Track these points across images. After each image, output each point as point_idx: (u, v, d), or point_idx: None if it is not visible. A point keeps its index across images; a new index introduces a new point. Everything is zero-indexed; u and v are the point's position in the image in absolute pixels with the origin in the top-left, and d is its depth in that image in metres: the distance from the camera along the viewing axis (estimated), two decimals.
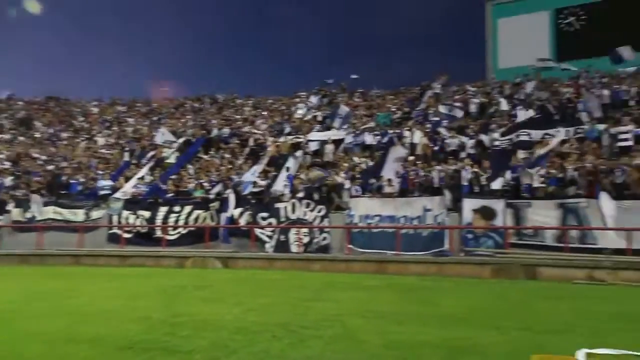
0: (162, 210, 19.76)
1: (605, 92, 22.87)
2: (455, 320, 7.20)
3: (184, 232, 19.37)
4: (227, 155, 24.26)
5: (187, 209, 19.52)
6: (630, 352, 5.29)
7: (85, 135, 31.19)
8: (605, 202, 14.35)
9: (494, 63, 37.48)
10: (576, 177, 16.00)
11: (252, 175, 20.62)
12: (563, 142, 18.90)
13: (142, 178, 22.63)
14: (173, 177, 22.32)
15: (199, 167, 23.59)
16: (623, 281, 12.11)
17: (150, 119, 33.29)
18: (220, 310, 8.08)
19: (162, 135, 26.28)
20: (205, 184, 20.99)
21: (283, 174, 20.14)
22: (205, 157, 24.68)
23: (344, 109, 26.51)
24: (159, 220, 19.71)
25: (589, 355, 5.11)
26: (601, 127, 18.76)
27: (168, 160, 24.29)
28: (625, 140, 17.57)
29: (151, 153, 25.41)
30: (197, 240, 18.82)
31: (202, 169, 23.21)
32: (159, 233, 19.54)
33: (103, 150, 27.78)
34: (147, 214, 19.96)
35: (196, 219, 19.44)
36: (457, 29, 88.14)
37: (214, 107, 34.68)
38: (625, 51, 25.37)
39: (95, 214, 20.76)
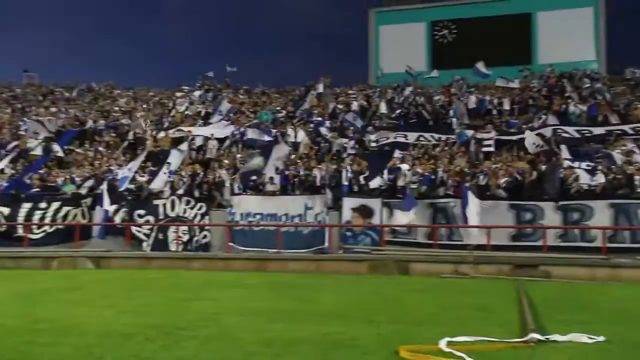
0: (26, 206, 18.05)
1: (473, 100, 24.88)
2: (330, 315, 7.39)
3: (50, 230, 17.91)
4: (101, 149, 22.88)
5: (55, 205, 18.04)
6: (485, 338, 5.79)
7: None
8: (472, 200, 15.58)
9: (375, 68, 39.07)
10: (445, 179, 17.19)
11: (129, 171, 19.62)
12: (435, 145, 20.24)
13: (1, 171, 20.58)
14: (40, 170, 20.57)
15: (71, 160, 22.00)
16: (483, 274, 13.23)
17: (12, 105, 30.37)
18: (89, 314, 7.58)
19: (29, 124, 24.17)
20: (76, 179, 19.60)
21: (163, 170, 19.42)
22: (78, 150, 23.06)
23: (226, 106, 26.18)
24: (21, 218, 18.00)
25: (450, 343, 5.51)
26: (469, 133, 20.34)
27: (34, 152, 22.31)
28: (489, 146, 19.22)
29: (13, 143, 23.20)
30: (66, 239, 17.50)
31: (74, 162, 21.66)
32: (20, 231, 17.86)
33: None
34: (6, 210, 18.11)
35: (65, 217, 18.06)
36: (345, 32, 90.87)
37: (89, 97, 32.52)
38: (482, 67, 27.75)
39: None
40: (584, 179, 16.13)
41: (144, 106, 29.73)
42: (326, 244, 16.50)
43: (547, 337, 5.80)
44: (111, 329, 6.45)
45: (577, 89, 25.42)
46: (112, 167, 20.29)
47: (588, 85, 25.76)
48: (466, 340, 5.68)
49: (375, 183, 17.60)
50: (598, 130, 20.35)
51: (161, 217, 17.79)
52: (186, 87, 32.30)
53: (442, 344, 5.46)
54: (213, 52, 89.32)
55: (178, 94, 30.90)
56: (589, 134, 20.14)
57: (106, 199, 17.76)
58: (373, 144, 21.00)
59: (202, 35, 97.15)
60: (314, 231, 16.96)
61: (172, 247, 17.35)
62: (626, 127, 20.17)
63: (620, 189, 15.52)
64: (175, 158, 20.34)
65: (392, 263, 14.24)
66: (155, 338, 5.96)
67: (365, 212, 16.58)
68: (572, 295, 9.91)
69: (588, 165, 17.06)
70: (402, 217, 15.99)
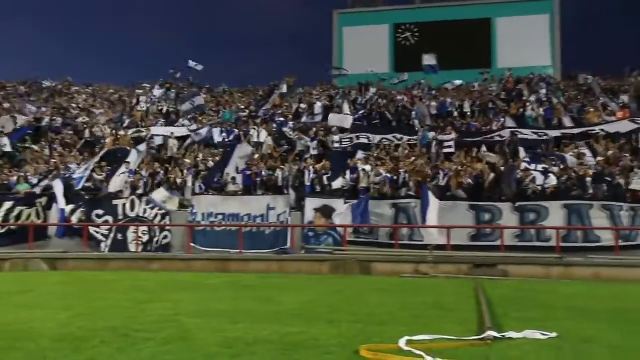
0: None
1: (434, 102, 25.29)
2: (291, 316, 7.39)
3: (1, 231, 17.24)
4: (58, 147, 22.24)
5: (7, 205, 17.36)
6: (444, 336, 5.89)
7: None
8: (432, 201, 15.82)
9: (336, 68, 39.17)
10: (407, 180, 17.39)
11: (86, 170, 19.12)
12: (397, 146, 20.47)
13: None
14: None
15: (25, 158, 21.29)
16: (443, 274, 13.46)
17: None
18: (43, 317, 7.35)
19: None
20: (30, 178, 18.96)
21: (122, 169, 19.00)
22: (34, 147, 22.34)
23: (199, 99, 25.70)
24: None
25: (409, 342, 5.58)
26: (431, 134, 20.65)
27: None
28: (449, 147, 19.55)
29: None
30: (20, 241, 16.86)
31: (29, 160, 20.97)
32: None
33: None
34: None
35: (19, 217, 17.42)
36: (310, 32, 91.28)
37: (46, 94, 31.56)
38: (430, 60, 27.96)
39: None
40: (539, 181, 16.60)
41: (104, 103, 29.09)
42: (288, 244, 16.46)
43: (503, 334, 5.94)
44: (66, 333, 6.28)
45: (533, 93, 26.16)
46: (69, 166, 19.75)
47: (544, 89, 26.56)
48: (425, 338, 5.76)
49: (337, 184, 17.67)
50: (553, 133, 20.99)
51: (120, 217, 17.39)
52: (147, 85, 31.75)
53: (402, 343, 5.52)
54: (176, 49, 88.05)
55: (139, 92, 30.34)
56: (545, 137, 20.76)
57: (61, 199, 17.25)
58: (336, 145, 21.08)
59: (165, 33, 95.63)
60: (276, 231, 16.90)
61: (132, 248, 16.99)
62: (579, 131, 20.88)
63: (573, 191, 16.05)
64: (134, 157, 19.94)
65: (354, 263, 14.32)
66: (112, 341, 5.83)
67: (327, 212, 16.62)
68: (528, 294, 10.19)
69: (543, 168, 17.57)
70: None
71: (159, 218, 17.44)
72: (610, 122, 21.40)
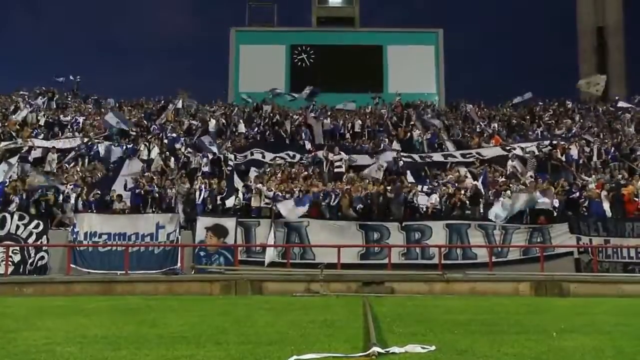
0: None
1: (327, 123, 26.00)
2: (177, 339, 7.12)
3: None
4: None
5: None
6: (330, 354, 5.99)
7: None
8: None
9: (235, 86, 39.13)
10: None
11: None
12: (292, 165, 20.73)
13: None
14: None
15: None
16: (333, 292, 13.71)
17: None
18: None
19: None
20: None
21: None
22: None
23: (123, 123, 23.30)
24: None
25: None
26: (321, 154, 21.16)
27: None
28: (340, 167, 20.16)
29: None
30: None
31: None
32: None
33: None
34: None
35: None
36: (209, 48, 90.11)
37: None
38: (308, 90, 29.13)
39: None
40: (423, 201, 17.61)
41: None
42: (178, 264, 15.95)
43: (387, 349, 6.15)
44: None
45: (420, 119, 27.78)
46: None
47: (429, 115, 28.32)
48: (313, 357, 5.81)
49: (230, 202, 17.50)
50: (437, 157, 22.41)
51: None
52: (25, 92, 29.43)
53: None
54: (61, 56, 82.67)
55: (17, 99, 28.04)
56: (429, 160, 22.09)
57: None
58: (230, 162, 20.90)
59: (50, 37, 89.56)
60: (165, 251, 16.33)
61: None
62: (458, 154, 22.51)
63: (453, 211, 17.19)
64: (6, 170, 18.37)
65: (245, 283, 14.17)
66: None
67: (219, 231, 16.37)
68: (412, 309, 10.65)
69: (429, 189, 18.68)
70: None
71: (34, 237, 16.15)
72: (485, 147, 23.26)
